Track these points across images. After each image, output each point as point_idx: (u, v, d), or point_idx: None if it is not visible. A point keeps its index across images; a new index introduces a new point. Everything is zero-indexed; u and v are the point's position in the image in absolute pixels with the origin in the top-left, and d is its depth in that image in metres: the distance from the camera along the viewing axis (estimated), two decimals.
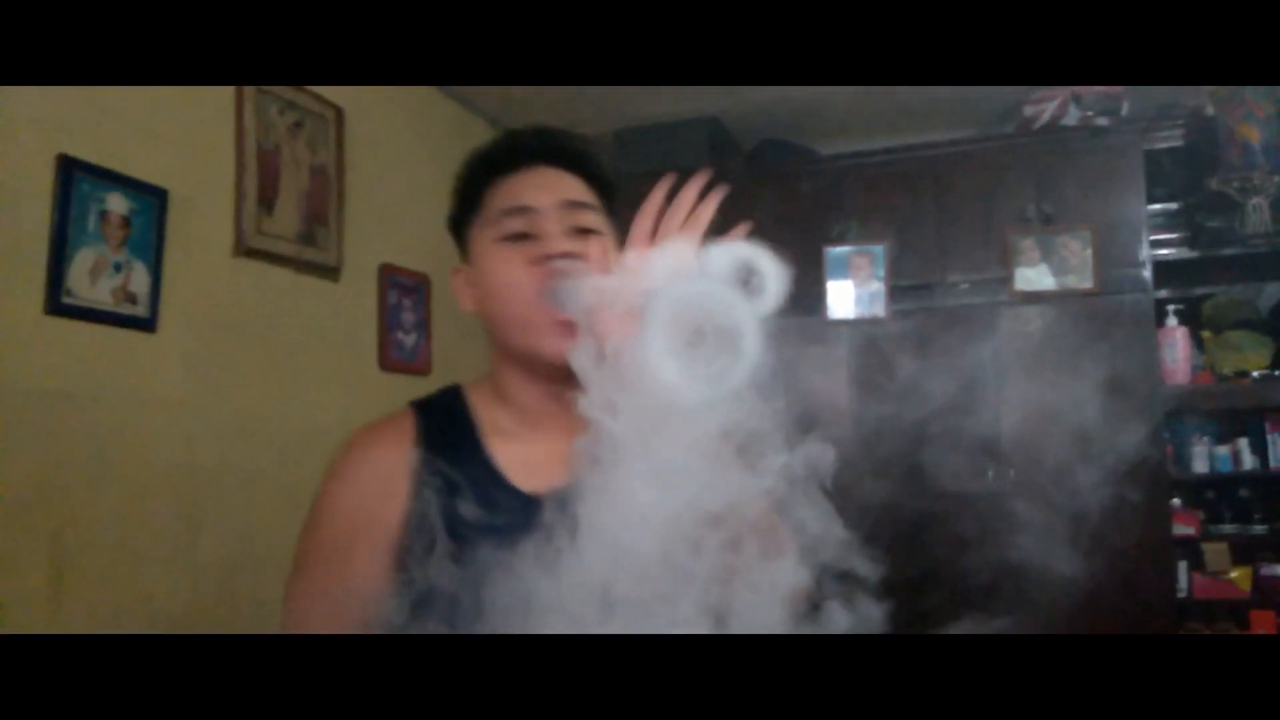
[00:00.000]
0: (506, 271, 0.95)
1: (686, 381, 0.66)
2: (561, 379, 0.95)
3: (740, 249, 0.76)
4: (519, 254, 0.95)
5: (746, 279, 0.74)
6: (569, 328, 0.89)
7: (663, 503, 0.66)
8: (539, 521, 0.83)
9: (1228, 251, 3.14)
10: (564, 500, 0.84)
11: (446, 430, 0.99)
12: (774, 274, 0.75)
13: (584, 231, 0.97)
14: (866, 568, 0.69)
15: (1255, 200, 2.99)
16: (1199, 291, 3.35)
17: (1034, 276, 3.06)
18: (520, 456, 0.97)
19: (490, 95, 3.27)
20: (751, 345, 0.66)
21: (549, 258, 0.93)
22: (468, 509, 0.89)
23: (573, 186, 1.00)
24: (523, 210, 0.97)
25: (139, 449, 1.95)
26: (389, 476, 0.95)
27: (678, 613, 0.64)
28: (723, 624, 0.65)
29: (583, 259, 0.93)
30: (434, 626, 0.84)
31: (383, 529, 0.94)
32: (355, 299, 2.71)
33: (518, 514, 0.86)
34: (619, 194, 1.05)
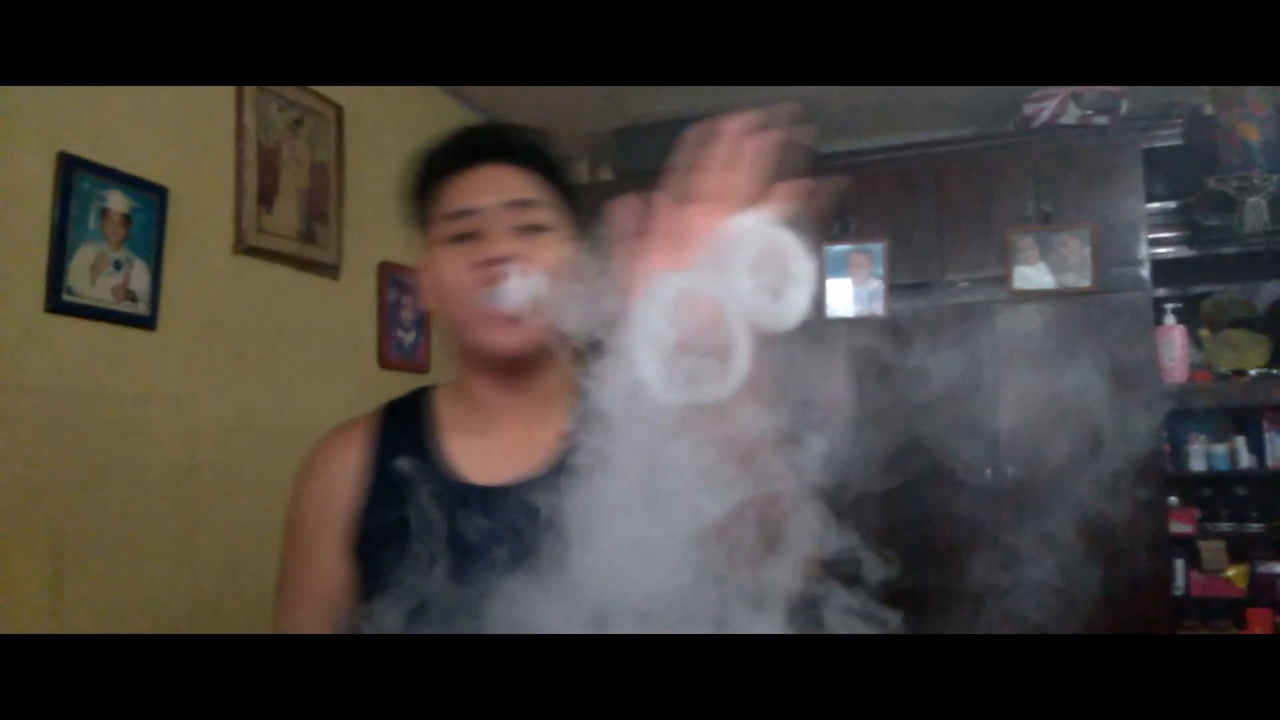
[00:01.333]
0: (450, 273, 0.96)
1: (667, 382, 0.61)
2: (516, 372, 0.98)
3: (769, 233, 0.64)
4: (463, 256, 0.96)
5: (772, 271, 0.63)
6: (513, 321, 0.92)
7: (653, 520, 0.63)
8: (491, 513, 0.87)
9: (1226, 250, 3.15)
10: (521, 493, 0.88)
11: (404, 427, 1.02)
12: (804, 273, 0.63)
13: (534, 229, 0.97)
14: (865, 567, 0.69)
15: (1254, 199, 2.99)
16: (1197, 290, 3.36)
17: (1033, 275, 3.06)
18: (475, 450, 0.99)
19: (491, 93, 3.27)
20: (743, 351, 0.61)
21: (491, 261, 0.94)
22: (413, 502, 0.92)
23: (520, 184, 0.99)
24: (466, 213, 0.97)
25: (139, 446, 1.95)
26: (341, 473, 1.00)
27: (671, 618, 0.63)
28: (722, 621, 0.65)
29: (526, 260, 0.93)
30: (387, 617, 0.87)
31: (337, 523, 0.98)
32: (355, 297, 2.71)
33: (464, 506, 0.89)
34: (570, 181, 1.04)
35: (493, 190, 0.97)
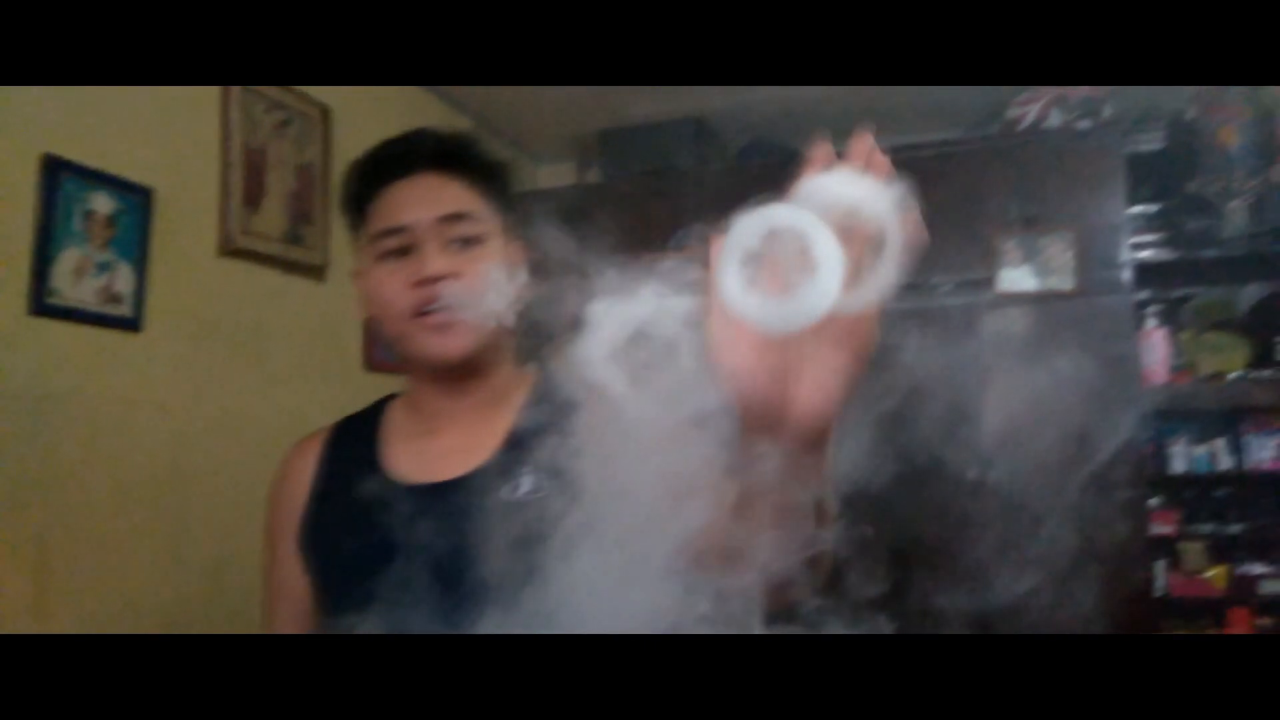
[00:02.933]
0: (386, 290, 0.97)
1: (638, 392, 0.58)
2: (459, 377, 1.00)
3: (786, 217, 0.56)
4: (396, 274, 0.96)
5: (784, 265, 0.56)
6: (451, 330, 0.93)
7: (599, 518, 0.61)
8: (422, 509, 0.90)
9: (1207, 253, 3.17)
10: (453, 489, 0.92)
11: (355, 435, 1.05)
12: (828, 261, 0.54)
13: (468, 241, 0.97)
14: (851, 567, 0.70)
15: (1234, 203, 3.02)
16: (1179, 293, 3.38)
17: (1017, 278, 3.08)
18: (416, 453, 1.01)
19: (477, 94, 3.27)
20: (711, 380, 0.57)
21: (425, 281, 0.94)
22: (347, 504, 0.96)
23: (453, 196, 0.98)
24: (398, 230, 0.96)
25: (124, 449, 1.94)
26: (297, 481, 1.04)
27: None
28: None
29: (461, 276, 0.94)
30: (327, 611, 0.93)
31: (293, 528, 1.03)
32: (341, 299, 2.69)
33: (396, 504, 0.91)
34: (511, 183, 1.04)
35: (423, 204, 0.96)
